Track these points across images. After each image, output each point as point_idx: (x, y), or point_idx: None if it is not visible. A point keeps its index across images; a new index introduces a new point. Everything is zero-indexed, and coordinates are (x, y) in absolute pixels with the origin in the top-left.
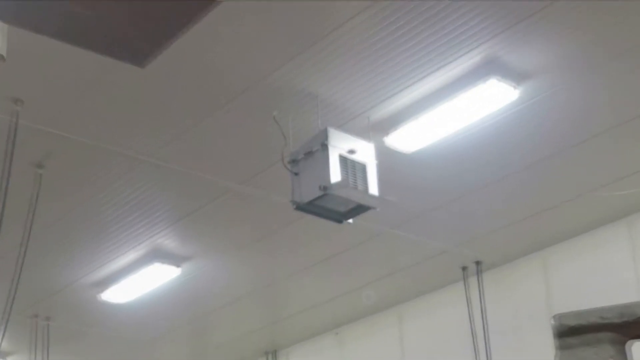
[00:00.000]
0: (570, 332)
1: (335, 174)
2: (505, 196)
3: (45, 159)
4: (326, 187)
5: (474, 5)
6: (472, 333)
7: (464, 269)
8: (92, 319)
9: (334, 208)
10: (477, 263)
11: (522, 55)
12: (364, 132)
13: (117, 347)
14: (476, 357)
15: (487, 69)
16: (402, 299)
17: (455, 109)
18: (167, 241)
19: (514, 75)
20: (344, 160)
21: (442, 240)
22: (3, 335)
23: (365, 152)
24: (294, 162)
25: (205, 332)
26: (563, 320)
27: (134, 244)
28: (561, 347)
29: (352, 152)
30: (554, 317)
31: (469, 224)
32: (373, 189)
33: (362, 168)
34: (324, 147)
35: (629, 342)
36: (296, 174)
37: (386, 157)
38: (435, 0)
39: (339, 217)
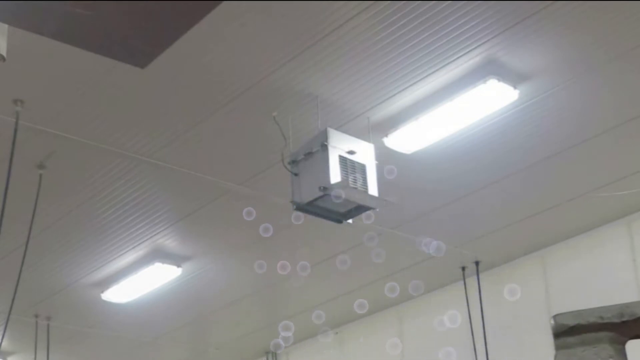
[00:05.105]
0: (569, 331)
1: (335, 175)
2: (504, 196)
3: (46, 160)
4: (326, 188)
5: (474, 6)
6: (471, 333)
7: (463, 269)
8: (92, 319)
9: (333, 208)
10: (476, 263)
11: (522, 56)
12: (363, 133)
13: (117, 347)
14: (475, 357)
15: (487, 69)
16: (402, 299)
17: (455, 110)
18: (168, 241)
19: (514, 76)
20: (343, 160)
21: (442, 241)
22: (4, 335)
23: (365, 152)
24: (294, 162)
25: (206, 332)
26: (562, 320)
27: (135, 244)
28: (560, 347)
29: (352, 152)
30: (553, 316)
31: (468, 224)
32: (373, 189)
33: (362, 169)
34: (324, 147)
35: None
36: (296, 174)
37: (386, 157)
38: (435, 1)
39: (339, 218)
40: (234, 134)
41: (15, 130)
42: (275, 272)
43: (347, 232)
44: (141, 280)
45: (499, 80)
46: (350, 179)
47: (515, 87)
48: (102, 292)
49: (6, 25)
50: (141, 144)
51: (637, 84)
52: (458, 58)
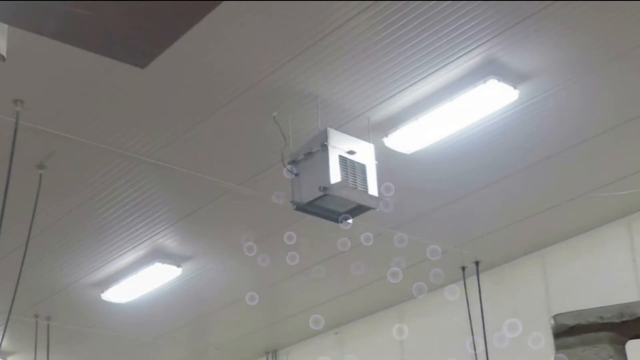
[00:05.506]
0: (569, 331)
1: (335, 175)
2: (505, 196)
3: (46, 160)
4: (326, 188)
5: (474, 6)
6: (471, 333)
7: (463, 269)
8: (92, 319)
9: (333, 208)
10: (476, 263)
11: (522, 56)
12: (363, 133)
13: (117, 347)
14: (475, 357)
15: (487, 69)
16: (402, 299)
17: (455, 110)
18: (168, 241)
19: (514, 76)
20: (343, 160)
21: (442, 241)
22: (4, 335)
23: (365, 152)
24: (294, 162)
25: (206, 332)
26: (562, 320)
27: (135, 244)
28: (560, 347)
29: (352, 152)
30: (553, 316)
31: (468, 224)
32: (373, 189)
33: (362, 169)
34: (324, 147)
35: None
36: (296, 174)
37: (386, 157)
38: (436, 0)
39: (339, 218)
40: (234, 134)
41: (15, 130)
42: (276, 272)
43: (347, 232)
44: (141, 280)
45: (499, 80)
46: (350, 179)
47: (515, 87)
48: (102, 292)
49: (6, 25)
50: (141, 144)
51: (637, 84)
52: (458, 58)
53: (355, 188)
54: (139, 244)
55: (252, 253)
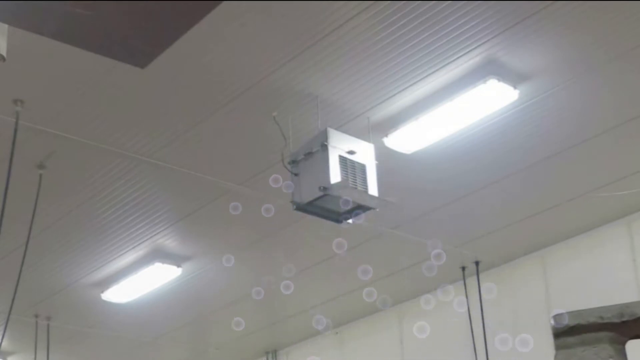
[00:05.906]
0: (569, 331)
1: (335, 175)
2: (505, 196)
3: (46, 160)
4: (326, 188)
5: (474, 6)
6: (471, 333)
7: (463, 269)
8: (92, 319)
9: (333, 208)
10: (476, 263)
11: (522, 56)
12: (363, 133)
13: (117, 347)
14: (475, 357)
15: (487, 69)
16: (402, 299)
17: (455, 110)
18: (168, 241)
19: (514, 76)
20: (343, 160)
21: (442, 241)
22: (4, 335)
23: (365, 152)
24: (294, 162)
25: (206, 332)
26: (562, 320)
27: (135, 244)
28: (560, 347)
29: (352, 152)
30: (553, 316)
31: (468, 224)
32: (373, 189)
33: (362, 169)
34: (324, 147)
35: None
36: (296, 174)
37: (386, 157)
38: (436, 0)
39: (339, 218)
40: (234, 134)
41: (15, 130)
42: (276, 272)
43: (347, 232)
44: (141, 280)
45: (499, 80)
46: (350, 179)
47: (515, 87)
48: (102, 292)
49: (6, 25)
50: (141, 144)
51: (637, 84)
52: (458, 58)
53: (355, 188)
54: (139, 244)
55: (230, 264)
